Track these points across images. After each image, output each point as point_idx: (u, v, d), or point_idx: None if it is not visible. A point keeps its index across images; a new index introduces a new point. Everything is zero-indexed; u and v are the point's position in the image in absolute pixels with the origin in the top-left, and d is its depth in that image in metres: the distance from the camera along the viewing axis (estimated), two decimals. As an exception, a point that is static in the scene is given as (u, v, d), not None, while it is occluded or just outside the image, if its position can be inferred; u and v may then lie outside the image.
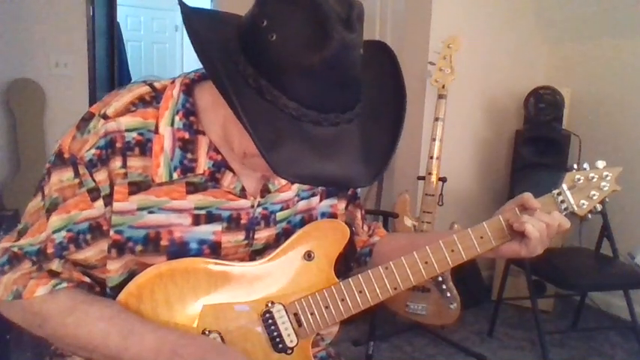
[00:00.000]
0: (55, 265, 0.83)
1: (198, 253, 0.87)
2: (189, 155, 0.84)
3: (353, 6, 0.75)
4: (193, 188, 0.86)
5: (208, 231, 0.87)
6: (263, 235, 0.93)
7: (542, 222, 0.90)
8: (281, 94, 0.72)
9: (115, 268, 0.85)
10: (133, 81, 0.96)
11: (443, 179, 2.58)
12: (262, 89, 0.73)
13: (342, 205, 1.06)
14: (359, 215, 1.11)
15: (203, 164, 0.85)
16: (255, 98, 0.72)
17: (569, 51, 3.27)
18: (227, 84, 0.71)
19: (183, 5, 0.77)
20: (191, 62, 6.27)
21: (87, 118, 0.84)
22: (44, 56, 3.17)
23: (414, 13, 3.05)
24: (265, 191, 0.92)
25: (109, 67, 4.51)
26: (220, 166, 0.86)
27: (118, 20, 4.73)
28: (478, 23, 3.04)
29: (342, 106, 0.77)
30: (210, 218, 0.87)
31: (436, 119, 2.54)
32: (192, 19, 0.77)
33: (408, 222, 2.58)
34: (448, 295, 2.46)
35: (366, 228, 1.12)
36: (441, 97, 2.54)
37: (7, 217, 2.58)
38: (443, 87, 2.53)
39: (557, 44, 3.31)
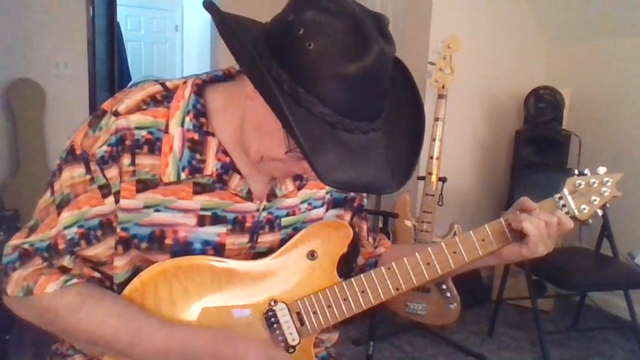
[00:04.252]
0: (66, 261, 0.84)
1: (202, 254, 0.87)
2: (197, 156, 0.85)
3: (382, 17, 0.77)
4: (200, 189, 0.86)
5: (213, 232, 0.87)
6: (267, 239, 0.93)
7: (540, 220, 0.90)
8: (317, 101, 0.72)
9: (121, 265, 0.86)
10: (144, 78, 0.95)
11: (443, 179, 2.58)
12: (299, 95, 0.72)
13: (347, 215, 1.06)
14: (365, 227, 1.10)
15: (211, 165, 0.85)
16: (290, 103, 0.72)
17: (569, 51, 3.28)
18: (272, 86, 0.71)
19: (211, 6, 0.76)
20: (191, 62, 6.28)
21: (99, 115, 0.84)
22: (44, 56, 3.17)
23: (414, 13, 3.05)
24: (272, 195, 0.92)
25: (109, 67, 4.50)
26: (228, 168, 0.87)
27: (118, 20, 4.73)
28: (478, 23, 3.05)
29: (373, 115, 0.78)
30: (216, 220, 0.87)
31: (436, 119, 2.54)
32: (225, 18, 0.77)
33: (408, 222, 2.58)
34: (448, 295, 2.46)
35: (371, 240, 1.12)
36: (441, 97, 2.54)
37: (7, 217, 2.58)
38: (443, 87, 2.53)
39: (557, 44, 3.31)
